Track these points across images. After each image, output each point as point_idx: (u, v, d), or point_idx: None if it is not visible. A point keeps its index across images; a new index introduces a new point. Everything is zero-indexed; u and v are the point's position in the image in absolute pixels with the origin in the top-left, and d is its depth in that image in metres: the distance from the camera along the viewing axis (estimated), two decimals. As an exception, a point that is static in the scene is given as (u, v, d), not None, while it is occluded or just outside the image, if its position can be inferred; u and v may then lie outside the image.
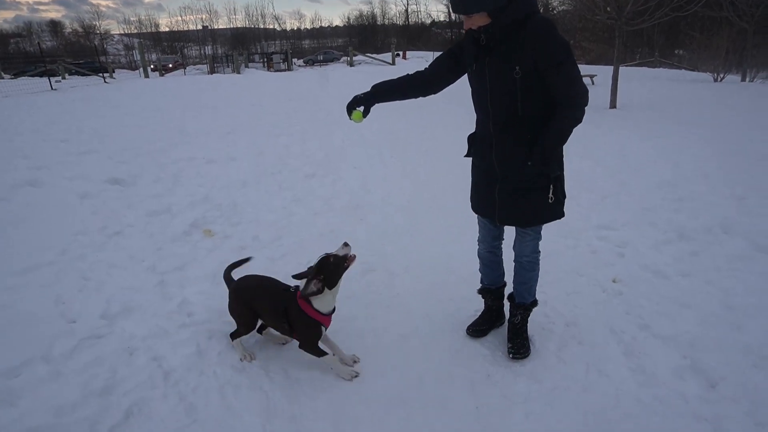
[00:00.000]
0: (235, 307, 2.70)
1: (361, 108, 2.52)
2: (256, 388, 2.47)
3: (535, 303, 2.73)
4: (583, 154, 6.52)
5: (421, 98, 2.65)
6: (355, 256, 2.53)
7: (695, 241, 3.89)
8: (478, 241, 2.81)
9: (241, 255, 3.85)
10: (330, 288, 2.47)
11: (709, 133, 7.83)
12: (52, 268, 3.47)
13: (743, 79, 18.25)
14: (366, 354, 2.73)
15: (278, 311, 2.52)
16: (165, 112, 10.05)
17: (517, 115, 2.25)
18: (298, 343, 2.60)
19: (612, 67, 11.35)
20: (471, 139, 2.55)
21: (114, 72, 28.28)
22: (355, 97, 2.51)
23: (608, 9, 11.11)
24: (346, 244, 2.51)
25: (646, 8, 10.67)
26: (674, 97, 12.87)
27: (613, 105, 10.96)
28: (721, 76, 18.00)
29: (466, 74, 2.43)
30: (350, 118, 2.54)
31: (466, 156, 2.63)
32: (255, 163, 6.44)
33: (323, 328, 2.54)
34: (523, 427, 2.21)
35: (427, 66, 2.58)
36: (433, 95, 2.61)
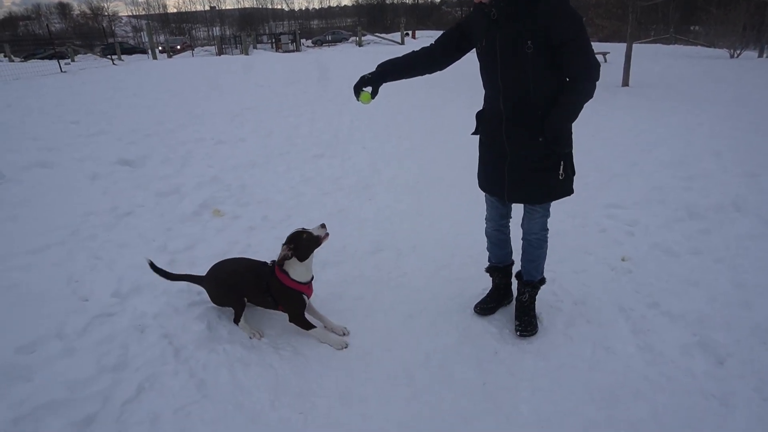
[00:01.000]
0: (221, 294, 2.79)
1: (369, 89, 2.48)
2: (265, 365, 2.50)
3: (543, 281, 2.72)
4: (593, 133, 6.44)
5: (428, 75, 2.63)
6: (328, 235, 2.71)
7: (706, 220, 3.85)
8: (485, 219, 2.80)
9: (250, 235, 3.93)
10: (301, 260, 2.63)
11: (724, 111, 7.70)
12: (63, 247, 3.52)
13: (760, 55, 17.86)
14: (374, 332, 2.75)
15: (261, 287, 2.67)
16: (174, 94, 10.05)
17: (529, 91, 2.22)
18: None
19: (625, 44, 11.14)
20: (480, 116, 2.52)
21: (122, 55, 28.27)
22: (362, 78, 2.48)
23: (621, -16, 10.86)
24: (322, 226, 2.71)
25: (661, -17, 10.42)
26: (689, 74, 12.62)
27: (625, 83, 10.79)
28: (738, 52, 17.63)
29: (474, 50, 2.39)
30: (358, 100, 2.50)
31: (473, 134, 2.60)
32: (263, 144, 6.44)
33: (305, 297, 2.68)
34: (529, 404, 2.22)
35: (433, 42, 2.54)
36: (439, 71, 2.58)
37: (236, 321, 2.76)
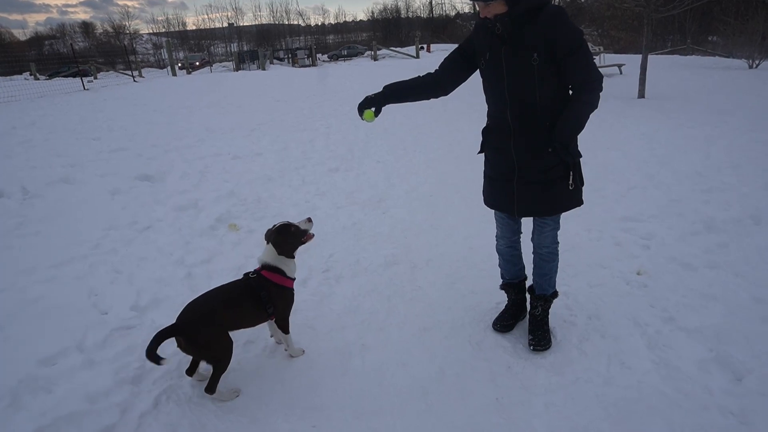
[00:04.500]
0: (210, 341, 2.33)
1: (373, 108, 2.53)
2: (278, 378, 2.53)
3: (555, 294, 2.72)
4: (609, 145, 6.41)
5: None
6: (313, 236, 2.70)
7: (724, 233, 3.80)
8: (496, 237, 2.80)
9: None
10: (287, 256, 2.60)
11: (743, 123, 7.60)
12: (85, 261, 3.60)
13: (781, 66, 17.57)
14: (388, 346, 2.77)
15: (260, 302, 2.48)
16: (192, 110, 10.24)
17: (536, 103, 2.26)
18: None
19: (641, 55, 11.09)
20: (486, 132, 2.54)
21: (142, 71, 28.91)
22: (367, 98, 2.53)
23: (637, -4, 10.85)
24: (309, 220, 2.69)
25: (677, -6, 10.39)
26: (706, 85, 12.49)
27: (641, 95, 10.72)
28: (757, 62, 17.36)
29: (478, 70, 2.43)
30: (362, 118, 2.56)
31: (480, 152, 2.62)
32: (279, 158, 6.52)
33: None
34: (543, 420, 2.21)
35: (437, 68, 2.58)
36: (444, 96, 2.61)
37: (215, 381, 2.36)
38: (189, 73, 30.45)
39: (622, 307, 2.98)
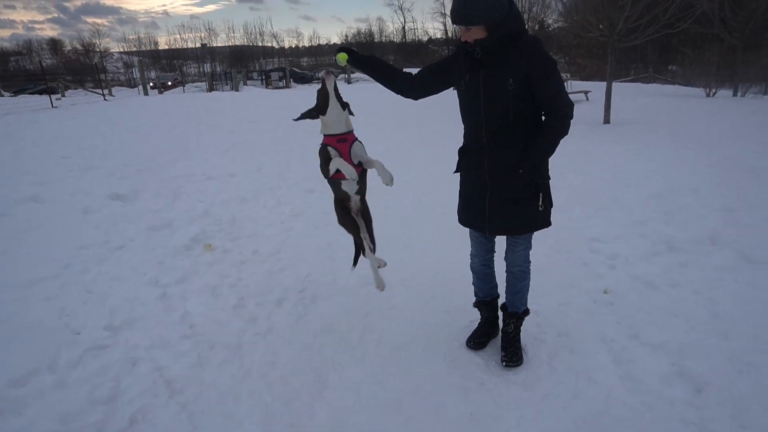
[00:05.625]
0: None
1: (347, 56, 2.64)
2: (255, 397, 2.54)
3: (527, 312, 2.81)
4: (576, 169, 6.64)
5: (400, 97, 2.73)
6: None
7: (684, 253, 3.99)
8: (471, 255, 2.90)
9: (241, 269, 3.98)
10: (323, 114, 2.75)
11: (701, 148, 7.98)
12: (56, 281, 3.55)
13: (735, 94, 18.51)
14: (364, 363, 2.81)
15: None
16: (165, 129, 10.19)
17: (509, 124, 2.38)
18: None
19: (605, 83, 11.55)
20: (462, 151, 2.66)
21: (112, 90, 28.49)
22: (352, 50, 2.65)
23: (601, 27, 11.35)
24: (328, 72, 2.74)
25: (637, 26, 10.90)
26: (667, 112, 13.06)
27: (606, 120, 11.13)
28: (713, 91, 18.26)
29: (455, 90, 2.55)
30: (335, 58, 2.67)
31: (455, 172, 2.73)
32: (254, 179, 6.54)
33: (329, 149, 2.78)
34: (515, 433, 2.28)
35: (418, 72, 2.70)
36: (412, 99, 2.71)
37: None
38: (161, 92, 30.20)
39: (589, 324, 3.09)
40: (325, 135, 2.79)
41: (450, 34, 74.47)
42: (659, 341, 2.85)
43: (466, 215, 2.71)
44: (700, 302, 3.25)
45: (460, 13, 2.28)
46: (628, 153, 7.77)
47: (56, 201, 5.20)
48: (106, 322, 3.09)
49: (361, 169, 2.87)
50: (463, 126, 2.61)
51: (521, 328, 2.84)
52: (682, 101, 15.92)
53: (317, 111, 2.76)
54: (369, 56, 2.66)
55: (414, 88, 2.63)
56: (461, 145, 2.66)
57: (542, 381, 2.61)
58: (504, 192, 2.48)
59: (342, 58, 2.65)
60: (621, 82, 24.82)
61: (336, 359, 2.86)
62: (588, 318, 3.17)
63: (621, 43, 11.50)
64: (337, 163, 2.74)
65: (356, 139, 2.86)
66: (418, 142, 9.02)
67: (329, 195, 5.92)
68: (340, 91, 2.76)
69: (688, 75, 24.32)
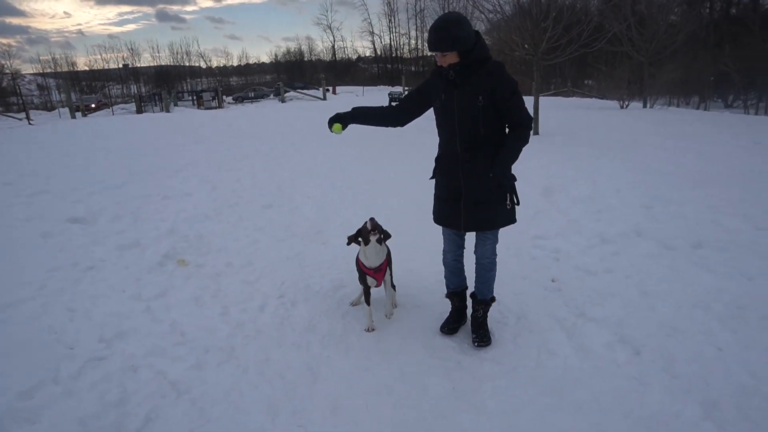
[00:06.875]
0: None
1: (341, 124, 3.02)
2: (257, 392, 2.77)
3: (493, 299, 3.23)
4: (516, 176, 7.23)
5: (383, 128, 3.18)
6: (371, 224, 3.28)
7: (615, 244, 4.58)
8: (443, 251, 3.29)
9: (218, 281, 4.17)
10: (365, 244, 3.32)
11: (619, 154, 8.89)
12: (35, 301, 3.59)
13: (644, 106, 20.35)
14: (350, 355, 3.10)
15: None
16: (105, 152, 9.99)
17: (480, 136, 2.81)
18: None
19: (532, 97, 12.48)
20: (438, 159, 3.05)
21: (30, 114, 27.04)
22: (337, 114, 3.04)
23: (526, 46, 12.28)
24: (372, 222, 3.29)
25: (558, 45, 11.92)
26: (587, 123, 14.25)
27: (536, 132, 12.02)
28: (626, 103, 19.99)
29: (432, 107, 2.97)
30: (331, 131, 3.05)
31: (431, 178, 3.13)
32: (211, 198, 6.65)
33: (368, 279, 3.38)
34: (493, 400, 2.65)
35: (398, 102, 3.10)
36: (400, 127, 3.12)
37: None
38: (85, 115, 29.00)
39: (543, 308, 3.56)
40: (363, 264, 3.35)
41: (379, 53, 76.18)
42: (602, 317, 3.35)
43: (441, 215, 3.10)
44: (631, 284, 3.81)
45: (436, 41, 2.69)
46: (557, 161, 8.52)
47: (11, 227, 5.13)
48: (99, 336, 3.20)
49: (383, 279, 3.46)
50: (438, 137, 3.01)
51: (488, 313, 3.24)
52: (600, 113, 17.36)
53: (358, 241, 3.36)
54: (354, 112, 3.07)
55: (399, 119, 3.08)
56: (437, 154, 3.06)
57: (509, 356, 3.02)
58: (476, 194, 2.89)
59: (338, 129, 3.04)
60: (544, 96, 26.49)
61: (324, 354, 3.13)
62: (541, 302, 3.63)
63: (544, 61, 12.49)
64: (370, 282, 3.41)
65: (389, 263, 3.47)
66: (364, 159, 9.42)
67: (288, 209, 6.23)
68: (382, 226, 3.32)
69: (603, 89, 26.37)
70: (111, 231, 5.17)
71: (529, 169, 7.85)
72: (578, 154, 9.17)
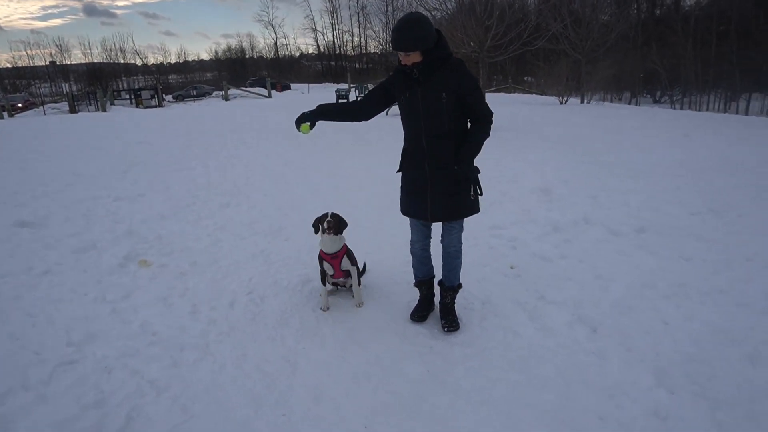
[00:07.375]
0: None
1: (308, 123, 3.05)
2: (238, 385, 2.80)
3: (460, 286, 3.39)
4: (467, 171, 7.48)
5: (348, 123, 3.26)
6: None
7: (567, 232, 4.87)
8: (411, 242, 3.41)
9: (184, 280, 4.13)
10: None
11: (563, 147, 9.35)
12: (-9, 309, 3.46)
13: (582, 102, 21.34)
14: (325, 346, 3.18)
15: None
16: (45, 155, 9.53)
17: (444, 131, 2.94)
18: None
19: (479, 94, 12.85)
20: (404, 153, 3.17)
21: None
22: (303, 114, 3.06)
23: (472, 44, 12.64)
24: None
25: (501, 44, 12.34)
26: (531, 117, 14.82)
27: (483, 127, 12.39)
28: (565, 99, 20.88)
29: (397, 104, 3.07)
30: (299, 131, 3.08)
31: (398, 171, 3.24)
32: (165, 198, 6.52)
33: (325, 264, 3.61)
34: (467, 379, 2.81)
35: (363, 97, 3.17)
36: (365, 121, 3.20)
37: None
38: (12, 116, 27.28)
39: (505, 293, 3.76)
40: (321, 250, 3.59)
41: (322, 50, 75.70)
42: (561, 299, 3.58)
43: (409, 207, 3.22)
44: (585, 268, 4.08)
45: (400, 41, 2.79)
46: (507, 155, 8.84)
47: (-48, 233, 4.86)
48: (66, 340, 3.12)
49: (344, 274, 3.69)
50: (403, 132, 3.12)
51: (456, 299, 3.40)
52: (541, 108, 18.06)
53: (316, 229, 3.62)
54: (319, 110, 3.09)
55: (364, 113, 3.15)
56: (402, 148, 3.17)
57: (478, 339, 3.19)
58: (442, 186, 3.03)
59: (305, 129, 3.06)
60: (488, 92, 27.21)
61: (299, 346, 3.20)
62: (503, 288, 3.83)
63: (489, 58, 12.90)
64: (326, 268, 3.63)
65: (346, 252, 3.62)
66: (315, 155, 9.44)
67: (246, 207, 6.20)
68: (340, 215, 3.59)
69: (543, 85, 27.39)
70: (63, 234, 4.99)
71: (479, 161, 8.11)
72: (526, 147, 9.56)
